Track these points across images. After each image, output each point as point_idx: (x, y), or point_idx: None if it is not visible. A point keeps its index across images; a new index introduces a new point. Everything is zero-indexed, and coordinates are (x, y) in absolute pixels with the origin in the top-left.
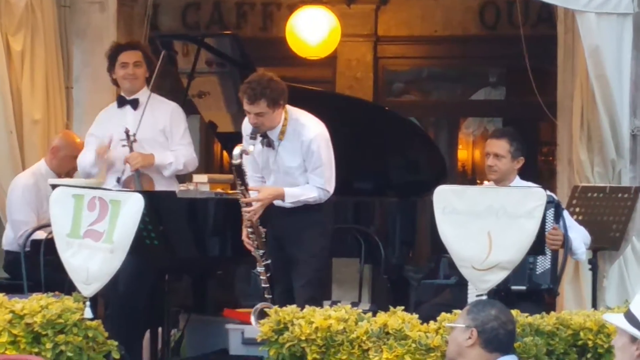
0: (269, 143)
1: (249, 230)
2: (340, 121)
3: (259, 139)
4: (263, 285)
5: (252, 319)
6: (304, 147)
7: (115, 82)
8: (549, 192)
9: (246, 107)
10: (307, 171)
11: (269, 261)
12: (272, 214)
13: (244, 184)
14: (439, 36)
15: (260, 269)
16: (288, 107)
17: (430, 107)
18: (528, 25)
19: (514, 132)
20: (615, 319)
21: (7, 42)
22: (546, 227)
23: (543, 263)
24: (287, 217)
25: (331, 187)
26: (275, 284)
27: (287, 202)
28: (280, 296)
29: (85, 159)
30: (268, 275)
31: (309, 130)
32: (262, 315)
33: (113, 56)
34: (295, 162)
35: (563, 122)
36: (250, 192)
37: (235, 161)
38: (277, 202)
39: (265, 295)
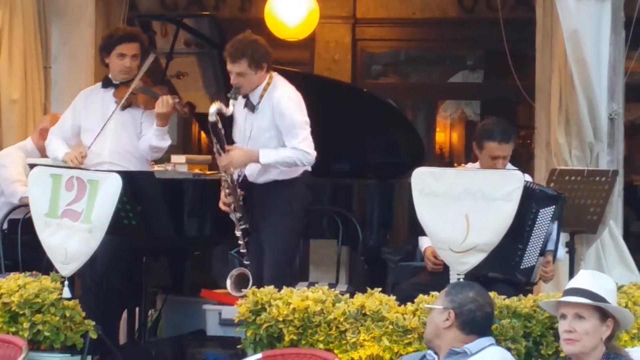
0: (249, 105)
1: (227, 191)
2: (318, 103)
3: (242, 101)
4: (241, 250)
5: (228, 283)
6: (275, 109)
7: (105, 64)
8: (555, 190)
9: (228, 66)
10: (282, 134)
11: (246, 225)
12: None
13: (219, 141)
14: (418, 19)
15: (237, 232)
16: (275, 74)
17: (409, 90)
18: (506, 9)
19: (508, 124)
20: (583, 300)
21: None
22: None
23: (530, 259)
24: (255, 194)
25: (309, 148)
26: (250, 262)
27: (262, 161)
28: (256, 261)
29: (55, 151)
30: (246, 240)
31: (278, 90)
32: (238, 280)
33: (112, 43)
34: (272, 128)
35: (541, 106)
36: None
37: (211, 118)
38: (250, 173)
39: (244, 262)
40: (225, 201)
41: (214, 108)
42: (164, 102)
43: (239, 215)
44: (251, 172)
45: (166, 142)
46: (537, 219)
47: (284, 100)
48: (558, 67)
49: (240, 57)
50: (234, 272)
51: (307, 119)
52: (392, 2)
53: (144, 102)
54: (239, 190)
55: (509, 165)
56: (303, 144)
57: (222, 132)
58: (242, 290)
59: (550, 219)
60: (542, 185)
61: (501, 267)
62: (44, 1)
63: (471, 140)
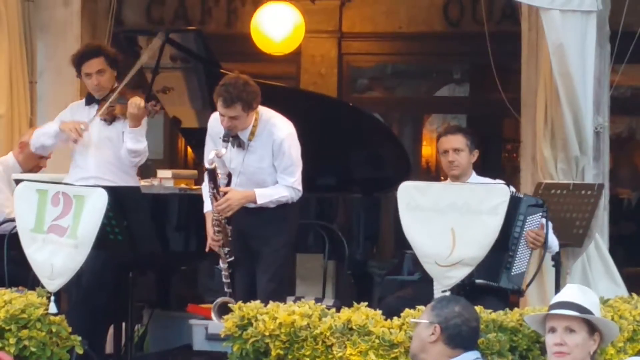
0: (239, 143)
1: (217, 229)
2: (304, 117)
3: (230, 140)
4: (224, 280)
5: (213, 314)
6: (275, 147)
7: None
8: (538, 199)
9: (221, 110)
10: (278, 171)
11: (232, 258)
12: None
13: (216, 187)
14: (403, 33)
15: (223, 265)
16: (259, 107)
17: (395, 104)
18: (492, 22)
19: (465, 127)
20: (574, 313)
21: None
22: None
23: (520, 265)
24: (251, 213)
25: (300, 186)
26: (238, 278)
27: (259, 202)
28: (243, 291)
29: (47, 129)
30: (230, 271)
31: (281, 130)
32: (222, 309)
33: (77, 64)
34: (264, 162)
35: (527, 119)
36: (221, 193)
37: (211, 166)
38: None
39: (226, 290)
40: (214, 238)
41: (212, 155)
42: (132, 104)
43: (227, 249)
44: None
45: (141, 144)
46: (525, 227)
47: (287, 140)
48: (543, 80)
49: (234, 102)
50: (218, 301)
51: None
52: (378, 16)
53: (122, 112)
54: (227, 226)
55: (488, 179)
56: (297, 183)
57: (219, 177)
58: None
59: (537, 225)
60: (527, 194)
61: (491, 274)
62: (29, 16)
63: None
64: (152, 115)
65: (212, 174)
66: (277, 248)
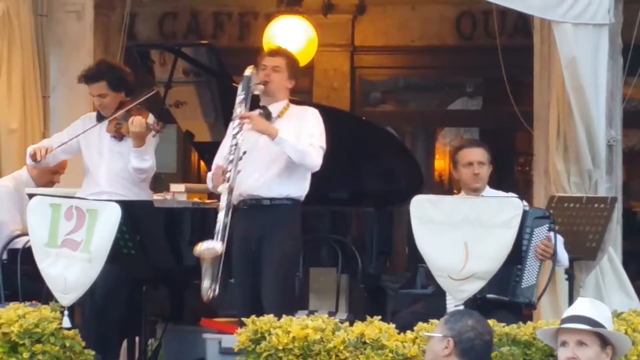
0: (267, 115)
1: (231, 157)
2: None
3: (257, 111)
4: (218, 226)
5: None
6: (303, 119)
7: None
8: (544, 210)
9: (265, 61)
10: (303, 136)
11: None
12: (241, 214)
13: (247, 97)
14: (416, 46)
15: (220, 213)
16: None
17: (407, 117)
18: (504, 36)
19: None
20: (586, 327)
21: None
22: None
23: (529, 277)
24: (255, 217)
25: (319, 156)
26: (240, 295)
27: (279, 136)
28: (247, 309)
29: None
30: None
31: (313, 112)
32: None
33: (84, 83)
34: (290, 133)
35: (539, 132)
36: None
37: (247, 72)
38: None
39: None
40: (219, 172)
41: (249, 71)
42: (134, 123)
43: (227, 187)
44: (253, 183)
45: (146, 163)
46: (532, 239)
47: (318, 116)
48: (556, 94)
49: (280, 54)
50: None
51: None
52: (391, 29)
53: (127, 129)
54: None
55: (502, 192)
56: (318, 148)
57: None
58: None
59: (544, 236)
60: (533, 206)
61: (501, 288)
62: (42, 31)
63: None
64: (154, 134)
65: (248, 81)
66: (282, 256)
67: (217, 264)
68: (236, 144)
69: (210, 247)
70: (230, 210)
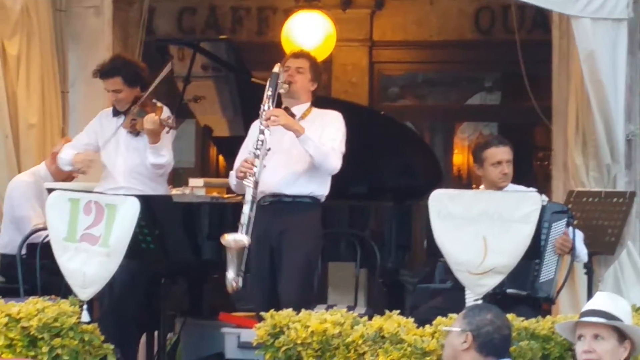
0: (290, 115)
1: (256, 152)
2: None
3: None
4: (242, 221)
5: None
6: (326, 122)
7: None
8: (562, 204)
9: (289, 62)
10: (324, 139)
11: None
12: (262, 212)
13: (274, 94)
14: (435, 41)
15: (245, 208)
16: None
17: (426, 112)
18: (523, 30)
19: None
20: (601, 320)
21: (3, 46)
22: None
23: (548, 272)
24: (277, 215)
25: (339, 161)
26: (258, 292)
27: (305, 133)
28: (266, 299)
29: (63, 157)
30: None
31: (335, 113)
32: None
33: (99, 78)
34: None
35: (558, 127)
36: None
37: (275, 70)
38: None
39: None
40: (243, 168)
41: (277, 68)
42: (148, 120)
43: (253, 181)
44: (277, 181)
45: (162, 159)
46: (551, 234)
47: (341, 120)
48: (575, 88)
49: (304, 56)
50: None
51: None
52: (409, 24)
53: (141, 125)
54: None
55: (522, 187)
56: (339, 152)
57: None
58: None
59: (562, 231)
60: (551, 201)
61: (520, 283)
62: (61, 26)
63: None
64: (167, 130)
65: (276, 78)
66: (303, 255)
67: (242, 256)
68: (263, 140)
69: (239, 239)
70: (255, 204)
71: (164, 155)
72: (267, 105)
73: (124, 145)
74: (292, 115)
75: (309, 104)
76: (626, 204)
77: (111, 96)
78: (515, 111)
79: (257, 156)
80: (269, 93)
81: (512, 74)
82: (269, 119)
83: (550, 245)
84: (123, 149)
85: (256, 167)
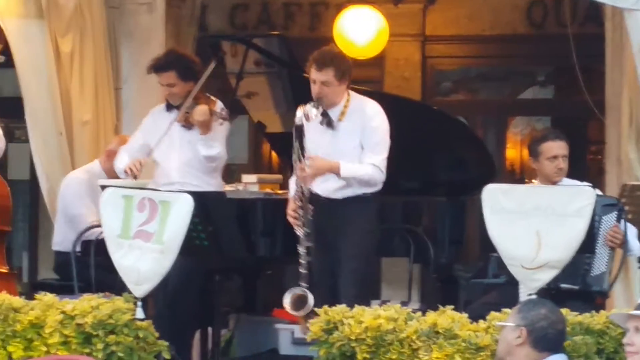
0: (328, 122)
1: (298, 204)
2: (389, 120)
3: (318, 120)
4: (302, 270)
5: (286, 301)
6: (365, 122)
7: None
8: (613, 198)
9: (313, 74)
10: (365, 148)
11: (310, 244)
12: (317, 206)
13: (302, 147)
14: (487, 35)
15: (301, 249)
16: (350, 91)
17: (479, 106)
18: (576, 24)
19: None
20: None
21: (57, 43)
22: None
23: (599, 265)
24: (333, 210)
25: (385, 169)
26: (318, 278)
27: (343, 174)
28: (324, 292)
29: (120, 163)
30: (308, 260)
31: (372, 108)
32: (296, 302)
33: (153, 73)
34: (353, 142)
35: (611, 121)
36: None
37: (298, 122)
38: (325, 188)
39: (302, 283)
40: (294, 213)
41: (300, 112)
42: (198, 111)
43: (307, 230)
44: (327, 187)
45: (213, 150)
46: (601, 227)
47: (379, 117)
48: (628, 81)
49: (327, 66)
50: (295, 290)
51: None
52: (462, 19)
53: (194, 118)
54: (309, 205)
55: (577, 181)
56: (382, 164)
57: (305, 137)
58: (301, 310)
59: (612, 224)
60: (601, 194)
61: (572, 278)
62: (114, 23)
63: None
64: (221, 122)
65: (299, 131)
66: (360, 250)
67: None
68: (302, 189)
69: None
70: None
71: (214, 147)
72: (296, 156)
73: (177, 139)
74: (330, 120)
75: (345, 99)
76: None
77: (165, 90)
78: (568, 105)
79: (300, 206)
80: (297, 146)
81: (565, 68)
82: (303, 178)
83: (601, 239)
84: (177, 143)
85: (300, 214)
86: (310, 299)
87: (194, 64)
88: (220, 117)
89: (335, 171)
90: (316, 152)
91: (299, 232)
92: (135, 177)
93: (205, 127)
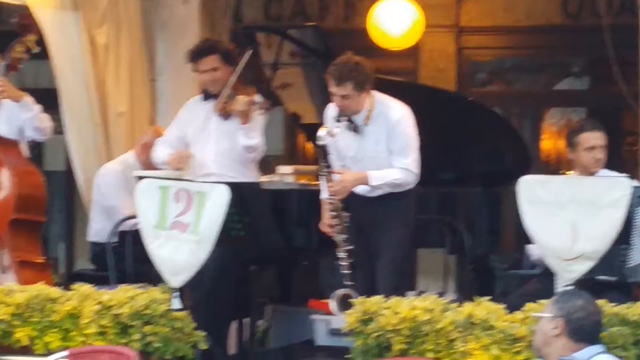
0: (354, 128)
1: (332, 214)
2: (423, 112)
3: (344, 125)
4: (344, 271)
5: (332, 305)
6: (390, 128)
7: None
8: None
9: (332, 89)
10: (392, 153)
11: (351, 247)
12: (354, 202)
13: (328, 165)
14: (522, 26)
15: (341, 254)
16: (373, 92)
17: (514, 98)
18: (611, 15)
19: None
20: None
21: (92, 35)
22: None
23: (636, 256)
24: (369, 206)
25: (417, 169)
26: (357, 271)
27: (373, 184)
28: (362, 284)
29: (159, 156)
30: (350, 262)
31: (395, 111)
32: (342, 302)
33: (192, 61)
34: (380, 146)
35: None
36: (333, 175)
37: (321, 142)
38: (360, 189)
39: (346, 282)
40: (329, 223)
41: (323, 132)
42: (239, 100)
43: (344, 237)
44: (362, 189)
45: (253, 140)
46: (637, 218)
47: (403, 121)
48: None
49: (345, 80)
50: (339, 292)
51: (417, 137)
52: (497, 10)
53: (233, 108)
54: (343, 212)
55: (614, 172)
56: (412, 165)
57: (330, 155)
58: (347, 311)
59: None
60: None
61: (609, 269)
62: (149, 15)
63: None
64: (261, 111)
65: (323, 151)
66: (396, 242)
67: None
68: (337, 210)
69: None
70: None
71: (255, 137)
72: (324, 176)
73: (214, 130)
74: (356, 126)
75: (366, 108)
76: None
77: (207, 77)
78: (604, 96)
79: (335, 217)
80: (323, 165)
81: (601, 59)
82: (334, 193)
83: (637, 230)
84: (214, 133)
85: (338, 225)
86: (356, 297)
87: (233, 50)
88: (262, 107)
89: (365, 182)
90: (347, 155)
91: (337, 239)
92: (181, 170)
93: (246, 116)
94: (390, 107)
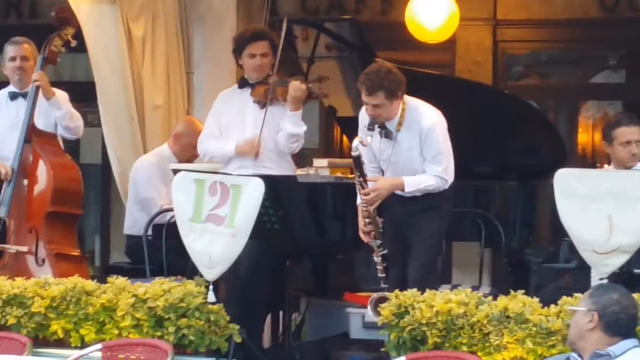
0: (387, 134)
1: (367, 220)
2: (460, 105)
3: (377, 129)
4: (380, 275)
5: (369, 309)
6: (422, 135)
7: (240, 65)
8: None
9: (364, 98)
10: (425, 160)
11: (385, 251)
12: (390, 200)
13: (362, 175)
14: (559, 19)
15: (377, 259)
16: (405, 96)
17: (550, 91)
18: None
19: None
20: None
21: (128, 28)
22: None
23: None
24: (404, 203)
25: (449, 176)
26: (390, 267)
27: (407, 190)
28: (396, 279)
29: (222, 150)
30: (384, 265)
31: (428, 119)
32: (378, 306)
33: (242, 44)
34: (413, 152)
35: None
36: (368, 182)
37: (355, 153)
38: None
39: (382, 285)
40: (365, 230)
41: (356, 142)
42: (293, 87)
43: (379, 242)
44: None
45: (301, 128)
46: None
47: (435, 128)
48: None
49: (376, 90)
50: (375, 296)
51: (450, 143)
52: (533, 3)
53: (282, 95)
54: (378, 218)
55: None
56: (444, 172)
57: (364, 164)
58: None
59: None
60: None
61: None
62: (186, 8)
63: None
64: (318, 97)
65: (357, 161)
66: (427, 236)
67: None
68: (371, 218)
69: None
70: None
71: (302, 125)
72: (359, 184)
73: (251, 119)
74: (389, 132)
75: (398, 114)
76: None
77: (256, 61)
78: None
79: (369, 223)
80: (360, 180)
81: (637, 52)
82: (369, 200)
83: None
84: (250, 123)
85: (373, 231)
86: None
87: (278, 42)
88: (316, 93)
89: (400, 188)
90: (382, 158)
91: (372, 244)
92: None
93: (298, 103)
94: (422, 114)
